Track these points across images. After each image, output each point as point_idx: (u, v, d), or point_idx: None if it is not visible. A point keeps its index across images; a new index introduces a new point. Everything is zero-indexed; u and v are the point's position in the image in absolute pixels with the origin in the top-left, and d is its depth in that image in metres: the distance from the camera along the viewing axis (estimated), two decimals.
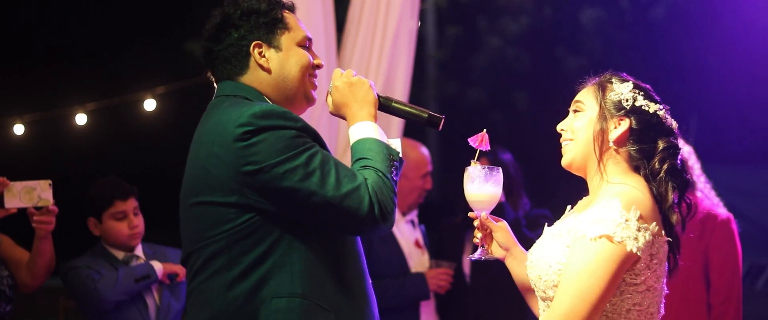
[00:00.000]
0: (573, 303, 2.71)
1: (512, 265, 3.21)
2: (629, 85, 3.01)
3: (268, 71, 3.05)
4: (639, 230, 2.77)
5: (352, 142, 2.97)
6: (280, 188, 2.74)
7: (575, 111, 3.08)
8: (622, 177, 2.91)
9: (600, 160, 2.95)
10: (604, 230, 2.75)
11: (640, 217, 2.79)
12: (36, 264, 4.59)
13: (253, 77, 3.07)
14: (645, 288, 2.83)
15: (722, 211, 5.26)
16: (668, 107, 3.04)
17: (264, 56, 3.06)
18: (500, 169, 3.20)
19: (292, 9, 3.16)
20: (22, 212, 4.52)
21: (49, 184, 4.43)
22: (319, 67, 3.13)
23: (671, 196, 2.90)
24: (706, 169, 5.52)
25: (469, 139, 3.27)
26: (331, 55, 5.96)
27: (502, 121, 14.52)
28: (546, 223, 3.17)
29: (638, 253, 2.76)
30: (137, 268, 4.79)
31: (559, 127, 3.09)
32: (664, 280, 2.94)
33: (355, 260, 2.94)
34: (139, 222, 4.95)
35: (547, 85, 14.36)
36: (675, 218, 2.91)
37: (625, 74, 3.12)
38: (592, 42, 13.98)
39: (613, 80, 3.05)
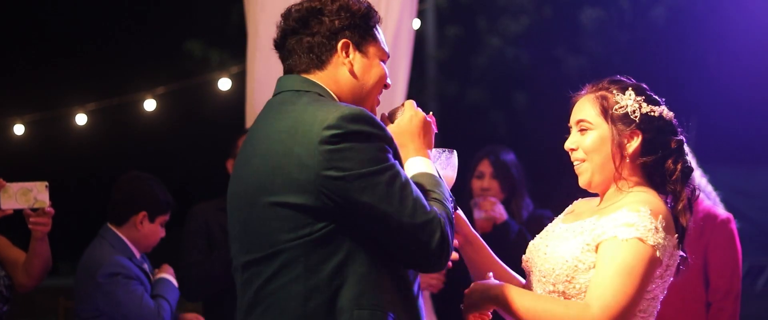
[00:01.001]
0: (617, 299, 2.73)
1: (469, 252, 3.19)
2: (631, 93, 2.96)
3: (351, 73, 2.91)
4: (665, 239, 2.81)
5: (412, 173, 2.91)
6: (358, 201, 2.63)
7: (582, 129, 3.02)
8: (639, 187, 2.93)
9: (619, 175, 2.94)
10: (637, 233, 2.77)
11: (665, 227, 2.82)
12: (32, 265, 4.58)
13: (329, 75, 2.91)
14: (652, 297, 2.86)
15: (722, 211, 5.26)
16: (664, 99, 3.02)
17: (349, 57, 2.91)
18: (455, 152, 3.17)
19: (379, 22, 3.03)
20: (19, 212, 4.51)
21: (46, 186, 4.41)
22: (387, 86, 3.02)
23: (685, 195, 2.92)
24: (706, 169, 5.52)
25: None
26: None
27: (501, 120, 14.53)
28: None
29: (663, 260, 2.82)
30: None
31: (567, 146, 3.04)
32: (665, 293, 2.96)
33: (414, 273, 2.89)
34: (164, 234, 5.01)
35: (547, 85, 14.37)
36: (686, 219, 2.93)
37: (620, 77, 3.07)
38: (592, 42, 13.99)
39: (612, 90, 2.99)
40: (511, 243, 5.22)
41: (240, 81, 6.86)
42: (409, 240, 2.69)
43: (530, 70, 14.36)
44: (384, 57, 2.98)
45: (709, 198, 5.34)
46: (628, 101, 2.93)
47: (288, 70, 2.97)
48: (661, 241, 2.79)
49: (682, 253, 2.94)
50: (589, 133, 2.97)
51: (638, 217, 2.78)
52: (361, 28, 2.93)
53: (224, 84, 8.25)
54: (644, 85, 3.01)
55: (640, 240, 2.76)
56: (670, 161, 2.92)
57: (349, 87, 2.91)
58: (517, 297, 2.85)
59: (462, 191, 5.53)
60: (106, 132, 12.24)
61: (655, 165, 2.92)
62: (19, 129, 8.84)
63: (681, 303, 5.21)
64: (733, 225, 5.19)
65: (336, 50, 2.89)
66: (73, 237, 4.97)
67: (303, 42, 2.92)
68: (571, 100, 3.11)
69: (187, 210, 5.32)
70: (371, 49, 2.94)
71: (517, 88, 14.46)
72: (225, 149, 5.59)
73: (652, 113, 2.92)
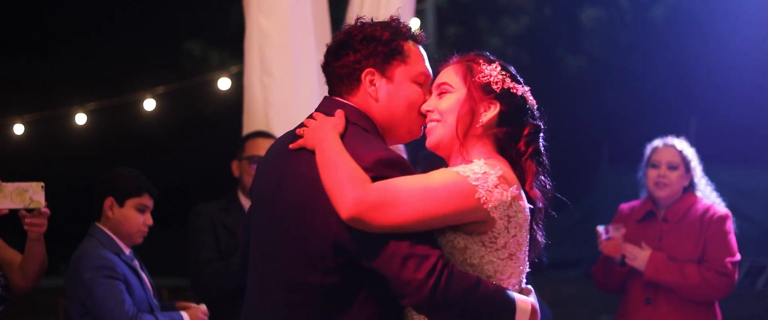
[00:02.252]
0: (400, 200, 2.64)
1: None
2: (497, 66, 2.95)
3: (376, 100, 3.00)
4: (496, 187, 2.71)
5: None
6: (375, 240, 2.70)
7: (441, 93, 2.97)
8: (487, 158, 2.86)
9: (463, 142, 2.89)
10: (460, 170, 2.73)
11: (501, 176, 2.73)
12: (28, 267, 4.57)
13: (361, 100, 3.01)
14: (507, 255, 2.76)
15: (720, 209, 5.28)
16: (529, 88, 3.02)
17: (374, 85, 3.00)
18: None
19: (418, 40, 3.14)
20: (14, 213, 4.50)
21: (42, 186, 4.39)
22: (427, 111, 3.01)
23: (533, 176, 2.89)
24: (706, 169, 5.53)
25: None
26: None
27: None
28: None
29: (487, 207, 2.69)
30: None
31: (424, 108, 2.97)
32: (525, 253, 2.84)
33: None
34: (151, 222, 4.93)
35: (547, 85, 14.39)
36: (535, 195, 2.88)
37: (489, 54, 3.05)
38: (591, 42, 14.00)
39: (479, 61, 2.97)
40: None
41: (239, 81, 6.86)
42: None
43: (531, 70, 14.37)
44: (418, 77, 3.03)
45: (706, 196, 5.36)
46: (493, 72, 2.93)
47: (330, 92, 3.08)
48: (487, 186, 2.70)
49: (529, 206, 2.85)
50: (448, 96, 2.95)
51: (470, 165, 2.75)
52: (385, 54, 3.03)
53: (224, 84, 8.25)
54: (513, 68, 3.01)
55: (460, 174, 2.70)
56: (522, 142, 2.91)
57: (378, 112, 3.00)
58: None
59: None
60: (105, 131, 12.24)
61: (508, 139, 2.89)
62: (18, 128, 8.85)
63: (681, 300, 5.22)
64: (730, 222, 5.21)
65: (361, 80, 2.99)
66: (73, 237, 4.95)
67: (334, 72, 3.04)
68: (439, 68, 3.09)
69: (189, 210, 5.30)
70: (398, 73, 3.01)
71: None
72: (225, 149, 5.58)
73: (514, 90, 2.92)
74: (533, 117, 2.95)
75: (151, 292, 4.92)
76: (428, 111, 2.96)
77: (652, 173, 5.30)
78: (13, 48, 15.56)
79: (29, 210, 4.40)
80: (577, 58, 14.02)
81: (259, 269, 2.93)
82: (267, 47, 5.89)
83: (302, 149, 2.86)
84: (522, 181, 2.85)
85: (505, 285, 2.76)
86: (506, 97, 2.90)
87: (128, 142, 15.00)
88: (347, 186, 2.66)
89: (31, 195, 4.37)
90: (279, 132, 5.76)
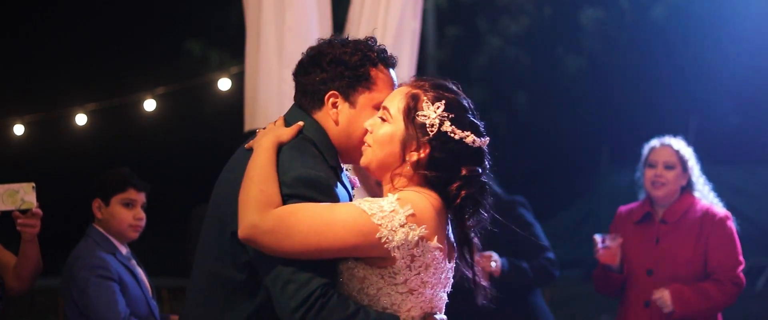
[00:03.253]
0: (292, 227, 2.69)
1: None
2: (440, 106, 2.85)
3: (336, 122, 3.02)
4: (403, 226, 2.70)
5: None
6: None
7: (382, 118, 2.94)
8: (416, 187, 2.84)
9: (393, 173, 2.88)
10: (366, 207, 2.72)
11: (412, 215, 2.72)
12: (22, 268, 4.56)
13: (323, 119, 3.04)
14: (407, 290, 2.76)
15: (720, 210, 5.27)
16: (480, 128, 2.90)
17: (336, 107, 3.02)
18: None
19: (389, 64, 3.11)
20: (7, 215, 4.49)
21: (33, 187, 4.39)
22: (365, 128, 3.03)
23: (466, 219, 2.84)
24: (706, 169, 5.53)
25: None
26: None
27: (502, 120, 14.54)
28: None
29: (388, 247, 2.70)
30: None
31: (365, 125, 2.96)
32: (441, 289, 2.84)
33: None
34: (144, 216, 4.92)
35: (547, 85, 14.38)
36: (470, 237, 2.85)
37: (448, 85, 2.94)
38: (592, 42, 14.00)
39: (425, 96, 2.88)
40: (522, 284, 5.29)
41: (240, 81, 6.86)
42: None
43: (530, 70, 14.37)
44: (380, 105, 3.02)
45: (705, 196, 5.36)
46: (432, 113, 2.83)
47: (295, 99, 3.11)
48: (392, 225, 2.70)
49: (450, 265, 2.84)
50: (384, 125, 2.91)
51: (382, 200, 2.74)
52: (351, 79, 3.02)
53: (224, 84, 8.25)
54: (468, 105, 2.91)
55: (365, 212, 2.70)
56: (454, 185, 2.82)
57: (336, 134, 3.02)
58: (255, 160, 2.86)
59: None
60: (106, 132, 12.24)
61: (437, 182, 2.82)
62: (18, 129, 8.84)
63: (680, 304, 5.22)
64: (731, 223, 5.21)
65: (324, 101, 3.01)
66: (73, 238, 4.95)
67: (301, 86, 3.06)
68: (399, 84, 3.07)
69: (189, 210, 5.30)
70: (361, 99, 3.02)
71: (517, 87, 14.47)
72: (225, 149, 5.58)
73: (452, 134, 2.82)
74: (474, 161, 2.85)
75: (150, 292, 4.91)
76: (367, 130, 2.95)
77: (649, 173, 5.30)
78: (13, 48, 15.56)
79: (23, 212, 4.39)
80: (577, 59, 14.02)
81: (197, 257, 3.04)
82: (291, 41, 5.90)
83: (251, 149, 2.95)
84: (456, 222, 2.84)
85: (402, 318, 2.77)
86: (440, 142, 2.82)
87: (128, 143, 15.00)
88: (250, 207, 2.74)
89: (23, 196, 4.37)
90: None
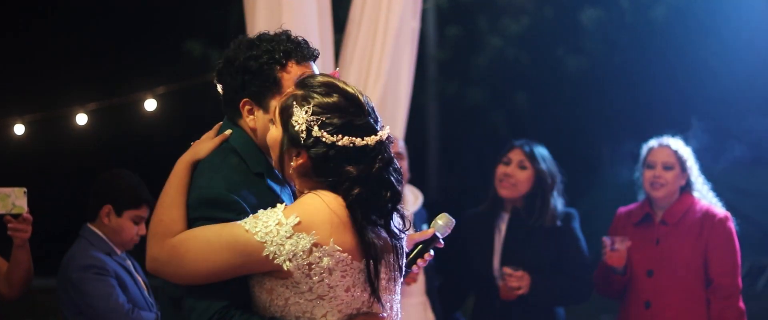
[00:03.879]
0: (185, 250, 2.74)
1: None
2: (307, 110, 2.73)
3: (254, 129, 2.98)
4: (290, 238, 2.67)
5: None
6: None
7: (271, 121, 2.89)
8: (318, 190, 2.79)
9: (288, 177, 2.85)
10: (249, 225, 2.69)
11: (299, 224, 2.68)
12: (13, 275, 4.55)
13: (244, 126, 3.01)
14: (316, 297, 2.72)
15: (719, 210, 5.28)
16: (361, 126, 2.74)
17: (253, 114, 2.97)
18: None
19: (303, 59, 2.98)
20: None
21: (24, 191, 4.38)
22: None
23: (361, 219, 2.73)
24: (706, 169, 5.53)
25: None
26: (328, 55, 5.96)
27: (502, 120, 14.53)
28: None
29: (278, 262, 2.68)
30: None
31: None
32: (361, 290, 2.78)
33: None
34: (145, 231, 4.92)
35: (548, 85, 14.37)
36: (369, 237, 2.73)
37: (323, 82, 2.79)
38: (592, 42, 13.99)
39: (295, 99, 2.77)
40: (548, 303, 5.29)
41: None
42: None
43: (531, 70, 14.36)
44: None
45: (704, 196, 5.36)
46: (300, 118, 2.74)
47: (222, 110, 3.09)
48: (277, 240, 2.67)
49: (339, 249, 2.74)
50: (272, 129, 2.86)
51: (265, 215, 2.71)
52: (258, 86, 2.94)
53: None
54: (343, 103, 2.75)
55: (248, 231, 2.68)
56: (344, 187, 2.74)
57: (260, 143, 2.97)
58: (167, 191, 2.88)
59: (487, 178, 5.54)
60: (106, 132, 12.24)
61: (327, 185, 2.77)
62: (19, 129, 8.83)
63: (681, 303, 5.22)
64: (731, 224, 5.22)
65: (239, 110, 2.98)
66: (72, 238, 4.94)
67: (222, 94, 3.05)
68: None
69: None
70: (273, 103, 2.90)
71: (518, 88, 14.46)
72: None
73: (324, 139, 2.72)
74: (361, 160, 2.74)
75: (147, 292, 4.91)
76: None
77: (648, 174, 5.31)
78: (13, 48, 15.55)
79: (14, 216, 4.38)
80: (577, 59, 14.01)
81: None
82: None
83: None
84: (354, 220, 2.75)
85: None
86: (314, 146, 2.73)
87: (129, 142, 14.99)
88: (152, 239, 2.82)
89: (14, 200, 4.36)
90: None
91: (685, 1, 13.19)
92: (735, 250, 5.22)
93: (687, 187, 5.34)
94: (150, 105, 8.57)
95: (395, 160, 2.81)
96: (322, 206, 2.72)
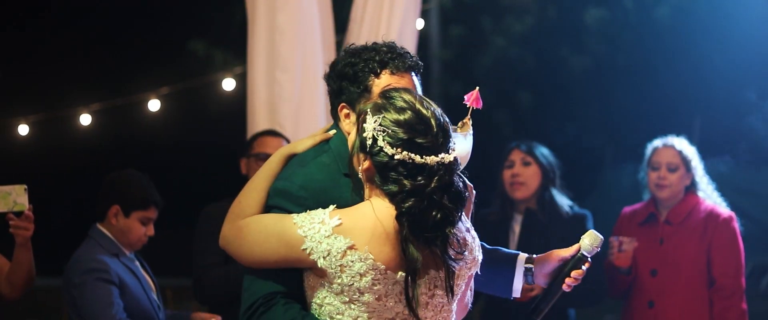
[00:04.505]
0: (242, 235, 2.92)
1: None
2: (377, 120, 2.84)
3: (347, 133, 3.06)
4: (328, 237, 2.79)
5: None
6: None
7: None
8: (375, 197, 2.88)
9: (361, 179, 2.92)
10: (297, 218, 2.83)
11: (339, 226, 2.79)
12: (14, 275, 4.54)
13: (343, 128, 3.11)
14: (348, 300, 2.83)
15: (724, 210, 5.27)
16: (422, 144, 2.81)
17: (348, 118, 3.07)
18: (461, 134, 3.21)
19: (398, 69, 3.09)
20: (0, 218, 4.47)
21: (25, 189, 4.37)
22: None
23: (408, 232, 2.79)
24: (710, 168, 5.52)
25: (465, 98, 3.26)
26: (329, 55, 5.96)
27: (506, 120, 14.53)
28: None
29: (313, 258, 2.79)
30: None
31: None
32: (397, 300, 2.85)
33: None
34: (153, 232, 4.92)
35: (552, 85, 14.37)
36: (411, 251, 2.79)
37: (401, 94, 2.89)
38: (596, 42, 13.98)
39: (368, 111, 2.87)
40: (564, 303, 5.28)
41: (244, 81, 6.86)
42: None
43: (534, 70, 14.36)
44: None
45: (708, 195, 5.35)
46: (369, 127, 2.85)
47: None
48: (318, 236, 2.78)
49: (395, 276, 2.81)
50: (353, 133, 2.97)
51: (314, 213, 2.84)
52: (351, 92, 3.07)
53: (228, 84, 8.25)
54: (412, 120, 2.84)
55: (296, 224, 2.81)
56: (397, 199, 2.80)
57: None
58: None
59: (494, 183, 5.54)
60: (110, 132, 12.26)
61: (386, 194, 2.84)
62: (23, 129, 8.85)
63: (685, 302, 5.21)
64: (735, 224, 5.21)
65: (338, 113, 3.12)
66: (77, 238, 4.94)
67: (328, 95, 3.18)
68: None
69: (194, 210, 5.28)
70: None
71: (522, 87, 14.47)
72: (229, 149, 5.58)
73: (385, 150, 2.81)
74: (417, 176, 2.81)
75: (153, 292, 4.90)
76: None
77: (653, 175, 5.30)
78: (17, 49, 15.58)
79: (16, 214, 4.38)
80: (581, 58, 14.01)
81: None
82: (282, 43, 5.90)
83: None
84: (400, 231, 2.82)
85: None
86: (375, 155, 2.82)
87: (133, 143, 15.02)
88: (228, 218, 2.99)
89: (15, 198, 4.35)
90: (289, 127, 5.78)
91: (688, 1, 13.20)
92: (739, 250, 5.21)
93: (692, 187, 5.33)
94: (153, 105, 8.57)
95: (456, 184, 2.85)
96: (369, 213, 2.83)
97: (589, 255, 3.18)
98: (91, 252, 4.72)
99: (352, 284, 2.80)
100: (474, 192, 3.18)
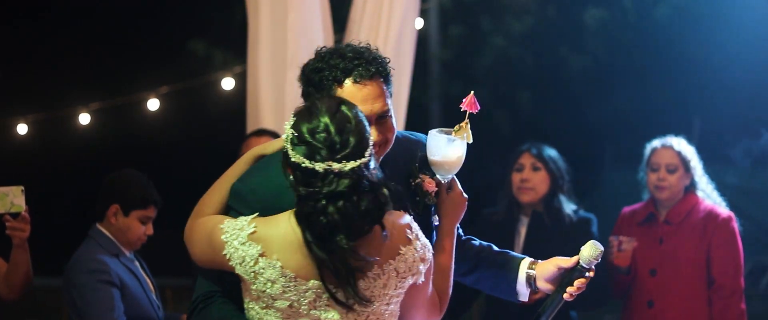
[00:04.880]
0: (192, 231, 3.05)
1: None
2: (290, 122, 2.89)
3: None
4: (244, 244, 2.85)
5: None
6: None
7: None
8: None
9: None
10: (225, 223, 2.91)
11: (253, 233, 2.86)
12: (12, 277, 4.55)
13: None
14: (265, 305, 2.91)
15: (723, 210, 5.28)
16: (319, 149, 2.82)
17: None
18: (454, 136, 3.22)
19: (359, 78, 3.04)
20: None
21: (22, 190, 4.37)
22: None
23: (308, 235, 2.84)
24: (709, 169, 5.53)
25: (462, 104, 3.28)
26: None
27: (505, 120, 14.52)
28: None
29: (232, 264, 2.87)
30: None
31: None
32: (310, 307, 2.90)
33: None
34: (152, 231, 4.94)
35: (551, 85, 14.36)
36: (317, 255, 2.83)
37: (319, 103, 2.89)
38: (595, 42, 13.98)
39: (293, 114, 2.94)
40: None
41: (243, 81, 6.86)
42: None
43: (534, 70, 14.36)
44: None
45: (708, 195, 5.36)
46: (286, 129, 2.89)
47: None
48: (235, 243, 2.85)
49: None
50: None
51: (239, 219, 2.91)
52: (320, 95, 3.11)
53: (228, 83, 8.25)
54: (317, 125, 2.85)
55: (223, 229, 2.89)
56: (296, 201, 2.86)
57: None
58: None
59: (502, 185, 5.53)
60: (109, 132, 12.25)
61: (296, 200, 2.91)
62: (22, 128, 8.84)
63: (684, 302, 5.22)
64: (734, 224, 5.22)
65: None
66: (77, 238, 4.95)
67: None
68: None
69: (192, 210, 5.28)
70: None
71: (521, 87, 14.46)
72: (229, 149, 5.58)
73: (288, 152, 2.87)
74: (309, 182, 2.83)
75: (153, 292, 4.91)
76: None
77: (652, 176, 5.31)
78: (16, 47, 15.57)
79: (13, 215, 4.37)
80: (580, 58, 14.01)
81: None
82: (293, 42, 5.91)
83: None
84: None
85: None
86: (285, 158, 2.89)
87: (132, 142, 15.00)
88: (191, 216, 3.09)
89: (12, 199, 4.35)
90: None
91: (688, 1, 13.19)
92: (738, 250, 5.22)
93: (691, 187, 5.34)
94: (153, 105, 8.57)
95: (350, 196, 2.82)
96: (284, 221, 2.88)
97: (587, 267, 3.18)
98: (91, 252, 4.72)
99: (265, 290, 2.85)
100: (466, 200, 3.19)
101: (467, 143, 3.21)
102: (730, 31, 12.65)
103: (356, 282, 2.86)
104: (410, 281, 2.95)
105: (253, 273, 2.84)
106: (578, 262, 3.22)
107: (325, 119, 2.84)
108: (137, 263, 4.93)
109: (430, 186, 3.23)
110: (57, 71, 15.55)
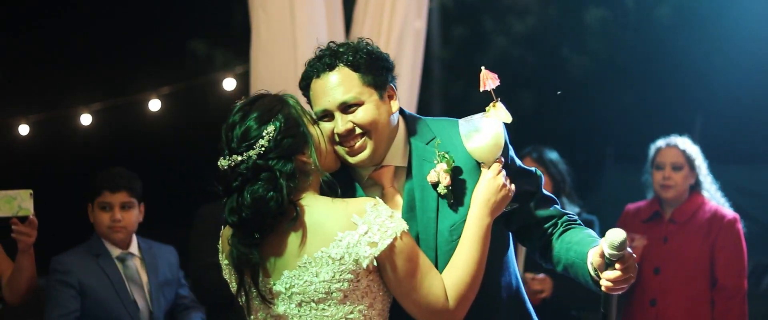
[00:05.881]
0: None
1: None
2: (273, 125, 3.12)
3: None
4: (220, 246, 3.13)
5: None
6: None
7: None
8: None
9: None
10: None
11: (222, 235, 3.11)
12: (16, 281, 4.55)
13: None
14: (240, 303, 3.07)
15: (728, 211, 5.27)
16: (224, 147, 3.01)
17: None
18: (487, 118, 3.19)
19: (318, 74, 3.16)
20: (4, 222, 4.47)
21: (30, 194, 4.37)
22: (339, 134, 3.11)
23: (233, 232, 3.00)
24: (712, 169, 5.52)
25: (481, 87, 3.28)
26: None
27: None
28: None
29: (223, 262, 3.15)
30: None
31: None
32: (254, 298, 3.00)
33: None
34: (124, 216, 4.85)
35: (553, 85, 14.36)
36: (237, 252, 2.97)
37: (240, 103, 3.09)
38: (597, 42, 13.98)
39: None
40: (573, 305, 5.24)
41: (245, 81, 6.85)
42: None
43: (536, 70, 14.35)
44: (319, 116, 3.17)
45: (712, 195, 5.36)
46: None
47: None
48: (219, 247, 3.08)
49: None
50: None
51: None
52: (308, 99, 3.34)
53: (229, 84, 8.24)
54: (228, 123, 3.11)
55: None
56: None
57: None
58: None
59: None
60: (110, 132, 12.24)
61: None
62: (23, 129, 8.84)
63: (686, 302, 5.21)
64: (740, 226, 5.21)
65: None
66: (77, 238, 4.95)
67: None
68: None
69: (194, 210, 5.28)
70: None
71: (523, 87, 14.46)
72: None
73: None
74: (220, 178, 3.05)
75: (148, 294, 4.87)
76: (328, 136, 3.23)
77: (658, 175, 5.31)
78: (17, 48, 15.57)
79: (21, 219, 4.37)
80: (582, 58, 14.00)
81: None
82: (302, 40, 5.91)
83: None
84: None
85: None
86: None
87: (133, 142, 15.00)
88: None
89: (20, 203, 4.35)
90: None
91: (689, 1, 13.19)
92: (742, 252, 5.22)
93: (696, 186, 5.34)
94: (154, 105, 8.56)
95: (241, 189, 2.96)
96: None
97: (614, 258, 3.04)
98: (68, 254, 4.77)
99: (231, 288, 3.02)
100: (505, 189, 3.23)
101: (503, 123, 3.17)
102: (731, 31, 12.65)
103: (259, 276, 2.91)
104: (354, 267, 2.87)
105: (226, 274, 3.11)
106: (603, 253, 3.12)
107: (230, 119, 3.10)
108: (132, 262, 4.90)
109: (432, 177, 3.21)
110: (58, 72, 15.55)
